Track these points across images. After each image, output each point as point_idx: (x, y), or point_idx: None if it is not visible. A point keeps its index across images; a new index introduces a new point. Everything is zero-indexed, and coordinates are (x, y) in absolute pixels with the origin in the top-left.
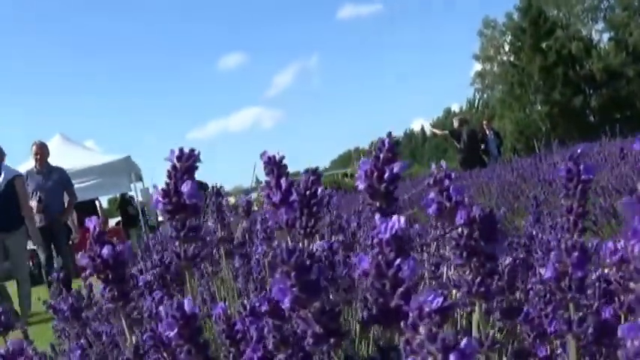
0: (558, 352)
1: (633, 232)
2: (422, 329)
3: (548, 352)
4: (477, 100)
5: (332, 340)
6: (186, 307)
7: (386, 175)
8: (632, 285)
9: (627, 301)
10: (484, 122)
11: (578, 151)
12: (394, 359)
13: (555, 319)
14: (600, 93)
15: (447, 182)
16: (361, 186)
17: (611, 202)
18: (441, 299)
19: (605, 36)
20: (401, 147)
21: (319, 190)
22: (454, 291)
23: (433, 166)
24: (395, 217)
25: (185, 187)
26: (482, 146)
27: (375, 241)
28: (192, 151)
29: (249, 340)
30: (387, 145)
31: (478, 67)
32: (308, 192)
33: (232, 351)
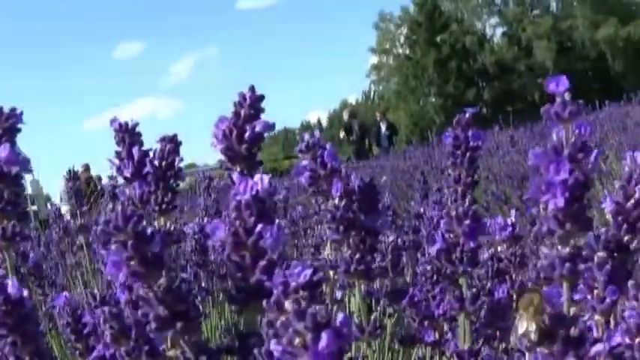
0: (447, 336)
1: (547, 185)
2: (288, 305)
3: (436, 336)
4: (372, 93)
5: (179, 325)
6: (11, 289)
7: (247, 135)
8: (543, 250)
9: (519, 280)
10: (377, 114)
11: (466, 115)
12: (255, 347)
13: (443, 301)
14: (493, 86)
15: (321, 148)
16: (218, 147)
17: (503, 188)
18: (309, 272)
19: (499, 31)
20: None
21: (177, 161)
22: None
23: (305, 135)
24: (257, 175)
25: (2, 152)
26: (375, 137)
27: (233, 204)
28: (13, 110)
29: (100, 334)
30: (248, 99)
31: (374, 59)
32: (164, 163)
33: (79, 347)
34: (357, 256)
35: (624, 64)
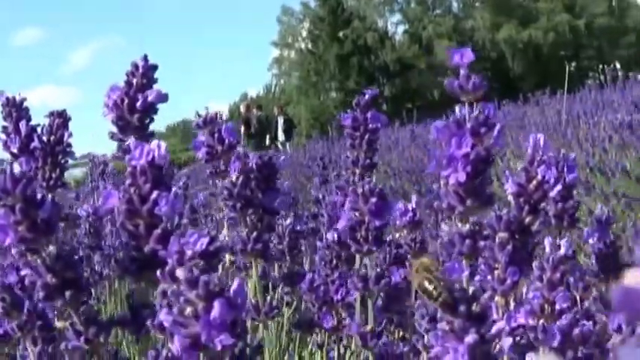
0: (346, 322)
1: (449, 160)
2: (180, 273)
3: (335, 322)
4: (273, 86)
5: (68, 294)
6: None
7: (139, 104)
8: (444, 227)
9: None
10: (275, 108)
11: (366, 97)
12: (148, 319)
13: (342, 286)
14: (393, 83)
15: (219, 123)
16: (109, 116)
17: (402, 183)
18: (206, 240)
19: (401, 28)
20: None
21: (66, 136)
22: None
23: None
24: (155, 141)
25: None
26: (274, 132)
27: (128, 170)
28: None
29: None
30: (141, 68)
31: (277, 53)
32: (53, 138)
33: None
34: (255, 234)
35: (523, 65)
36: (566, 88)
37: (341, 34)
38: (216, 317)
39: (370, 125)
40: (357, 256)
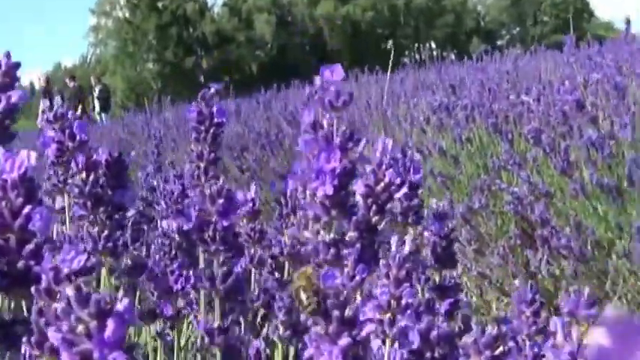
0: (185, 311)
1: (317, 173)
2: (69, 291)
3: (175, 311)
4: (89, 56)
5: None
6: None
7: (1, 106)
8: (306, 235)
9: (258, 255)
10: (92, 77)
11: (211, 90)
12: (21, 335)
13: (181, 276)
14: (212, 55)
15: (69, 118)
16: None
17: (224, 161)
18: (83, 257)
19: (220, 1)
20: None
21: None
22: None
23: (54, 103)
24: (24, 152)
25: None
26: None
27: None
28: None
29: None
30: (3, 67)
31: (94, 21)
32: None
33: None
34: (106, 233)
35: (341, 41)
36: (390, 68)
37: (160, 4)
38: (110, 336)
39: (216, 119)
40: (202, 256)
